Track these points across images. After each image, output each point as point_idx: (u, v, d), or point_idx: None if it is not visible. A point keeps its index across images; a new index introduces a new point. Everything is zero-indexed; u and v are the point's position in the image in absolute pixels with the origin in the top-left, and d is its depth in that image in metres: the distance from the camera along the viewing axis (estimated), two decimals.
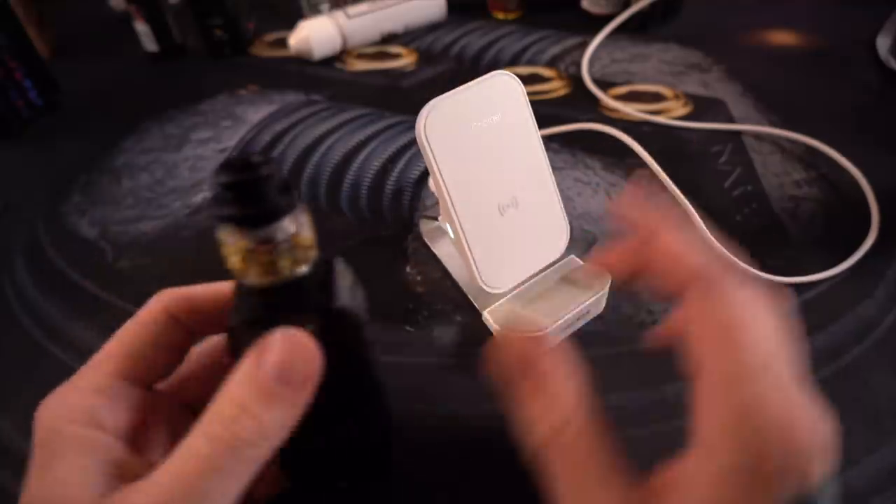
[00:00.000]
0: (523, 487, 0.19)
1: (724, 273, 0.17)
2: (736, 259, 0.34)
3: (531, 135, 0.30)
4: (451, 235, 0.30)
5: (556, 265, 0.32)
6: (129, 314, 0.35)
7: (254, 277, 0.16)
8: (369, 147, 0.48)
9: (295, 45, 0.61)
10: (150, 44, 0.63)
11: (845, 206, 0.40)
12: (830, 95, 0.52)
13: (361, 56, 0.63)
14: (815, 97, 0.52)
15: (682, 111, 0.50)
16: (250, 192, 0.15)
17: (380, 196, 0.43)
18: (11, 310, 0.36)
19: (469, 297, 0.33)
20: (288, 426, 0.16)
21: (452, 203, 0.28)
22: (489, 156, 0.29)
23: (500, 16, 0.71)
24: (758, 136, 0.47)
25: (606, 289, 0.31)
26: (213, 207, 0.15)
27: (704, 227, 0.36)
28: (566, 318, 0.29)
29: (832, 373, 0.30)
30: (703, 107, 0.51)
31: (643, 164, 0.41)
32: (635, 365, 0.30)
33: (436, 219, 0.35)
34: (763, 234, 0.38)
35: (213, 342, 0.21)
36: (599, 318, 0.33)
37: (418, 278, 0.36)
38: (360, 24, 0.63)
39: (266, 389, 0.15)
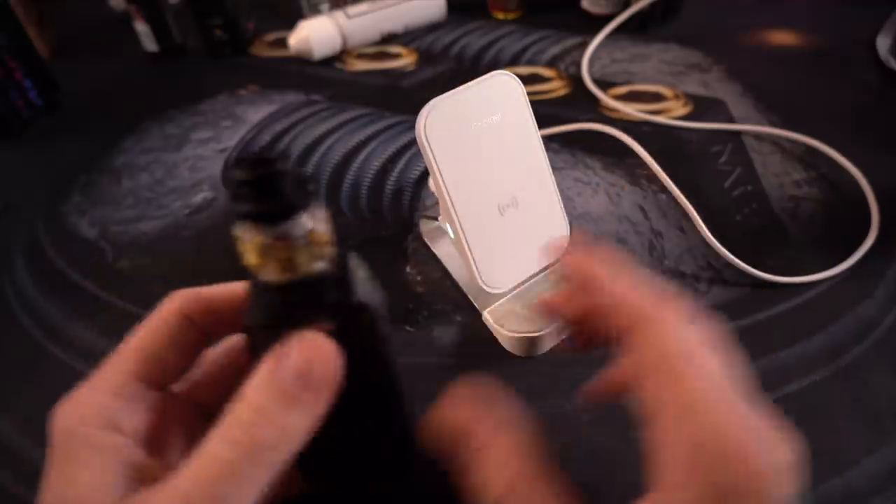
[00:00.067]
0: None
1: (666, 308, 0.17)
2: (736, 259, 0.34)
3: (531, 135, 0.30)
4: (451, 235, 0.30)
5: (557, 265, 0.32)
6: (129, 314, 0.35)
7: (271, 274, 0.16)
8: (369, 147, 0.48)
9: (295, 45, 0.61)
10: (150, 44, 0.63)
11: (845, 206, 0.40)
12: (830, 95, 0.52)
13: (361, 56, 0.63)
14: (815, 97, 0.52)
15: (682, 111, 0.50)
16: (267, 187, 0.15)
17: (380, 196, 0.43)
18: (11, 310, 0.36)
19: (469, 297, 0.33)
20: (308, 430, 0.16)
21: (452, 203, 0.28)
22: (489, 156, 0.29)
23: (500, 16, 0.71)
24: (758, 136, 0.47)
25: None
26: (230, 203, 0.15)
27: (704, 227, 0.36)
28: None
29: (832, 373, 0.30)
30: (703, 107, 0.51)
31: (643, 164, 0.41)
32: None
33: (436, 219, 0.35)
34: (763, 234, 0.38)
35: (227, 344, 0.21)
36: None
37: (418, 278, 0.36)
38: (360, 24, 0.63)
39: (286, 393, 0.15)
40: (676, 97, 0.52)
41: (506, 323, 0.30)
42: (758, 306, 0.33)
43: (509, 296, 0.31)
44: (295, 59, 0.62)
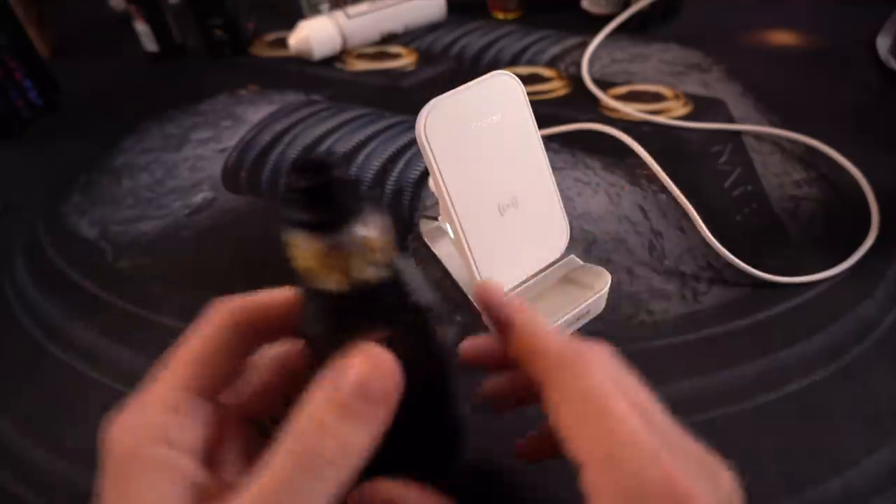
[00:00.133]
0: (523, 484, 0.19)
1: (582, 354, 0.17)
2: (736, 259, 0.34)
3: (531, 135, 0.30)
4: (451, 235, 0.30)
5: (557, 265, 0.32)
6: (129, 314, 0.35)
7: (327, 283, 0.15)
8: (369, 147, 0.48)
9: (295, 45, 0.61)
10: (150, 44, 0.63)
11: (845, 206, 0.40)
12: (830, 95, 0.52)
13: (361, 56, 0.63)
14: (815, 97, 0.52)
15: (682, 111, 0.50)
16: (325, 195, 0.14)
17: (380, 196, 0.43)
18: (11, 310, 0.36)
19: (469, 297, 0.33)
20: (370, 445, 0.15)
21: (452, 203, 0.28)
22: (489, 156, 0.29)
23: (500, 16, 0.71)
24: (758, 136, 0.47)
25: (606, 289, 0.31)
26: (284, 211, 0.15)
27: (704, 227, 0.36)
28: (566, 318, 0.30)
29: (832, 373, 0.30)
30: (703, 107, 0.51)
31: (643, 164, 0.41)
32: (636, 365, 0.30)
33: (436, 219, 0.35)
34: (763, 234, 0.38)
35: (275, 353, 0.20)
36: (599, 318, 0.33)
37: None
38: (360, 24, 0.63)
39: (346, 407, 0.15)
40: (676, 97, 0.52)
41: None
42: (758, 306, 0.33)
43: (509, 296, 0.31)
44: (295, 59, 0.62)
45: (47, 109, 0.56)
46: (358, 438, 0.15)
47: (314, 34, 0.60)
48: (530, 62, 0.60)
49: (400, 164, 0.45)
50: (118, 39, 0.68)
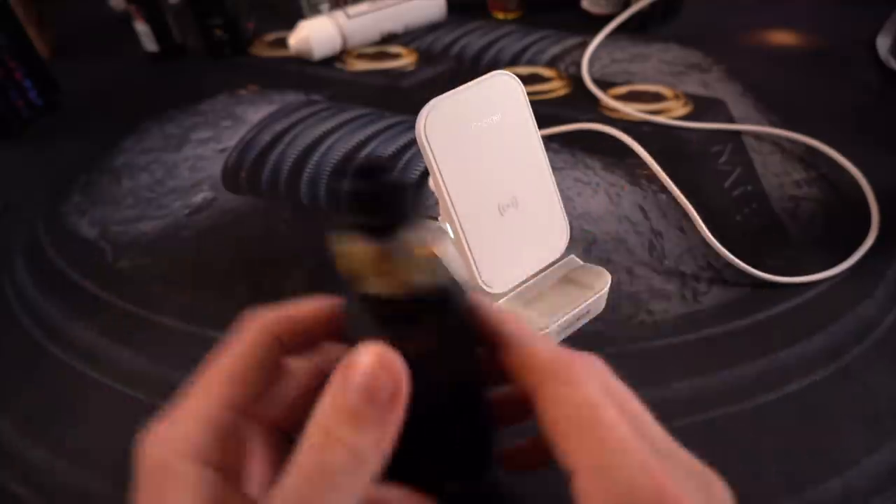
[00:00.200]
0: (523, 482, 0.19)
1: (573, 363, 0.17)
2: (736, 259, 0.34)
3: (531, 135, 0.30)
4: (451, 235, 0.30)
5: (556, 265, 0.32)
6: (129, 314, 0.35)
7: (377, 287, 0.15)
8: (369, 147, 0.48)
9: (295, 45, 0.61)
10: (150, 44, 0.63)
11: (845, 206, 0.40)
12: (830, 95, 0.52)
13: (361, 56, 0.63)
14: (815, 97, 0.52)
15: (682, 111, 0.50)
16: (383, 200, 0.14)
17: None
18: (11, 310, 0.36)
19: None
20: (383, 448, 0.15)
21: (452, 203, 0.28)
22: (489, 156, 0.29)
23: (500, 16, 0.71)
24: (758, 136, 0.47)
25: (606, 289, 0.31)
26: (340, 213, 0.15)
27: (704, 227, 0.36)
28: (566, 318, 0.29)
29: (832, 373, 0.30)
30: (703, 107, 0.51)
31: (643, 164, 0.41)
32: (636, 364, 0.30)
33: (436, 219, 0.35)
34: (763, 234, 0.38)
35: (310, 363, 0.20)
36: (599, 318, 0.33)
37: None
38: (360, 24, 0.63)
39: (353, 412, 0.15)
40: (676, 97, 0.52)
41: None
42: (758, 306, 0.33)
43: (509, 296, 0.31)
44: (295, 59, 0.62)
45: (47, 109, 0.56)
46: (368, 444, 0.15)
47: (314, 34, 0.60)
48: (530, 62, 0.60)
49: (400, 164, 0.45)
50: (118, 39, 0.68)
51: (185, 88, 0.59)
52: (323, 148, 0.48)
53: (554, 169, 0.31)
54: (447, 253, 0.37)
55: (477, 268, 0.29)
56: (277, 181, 0.45)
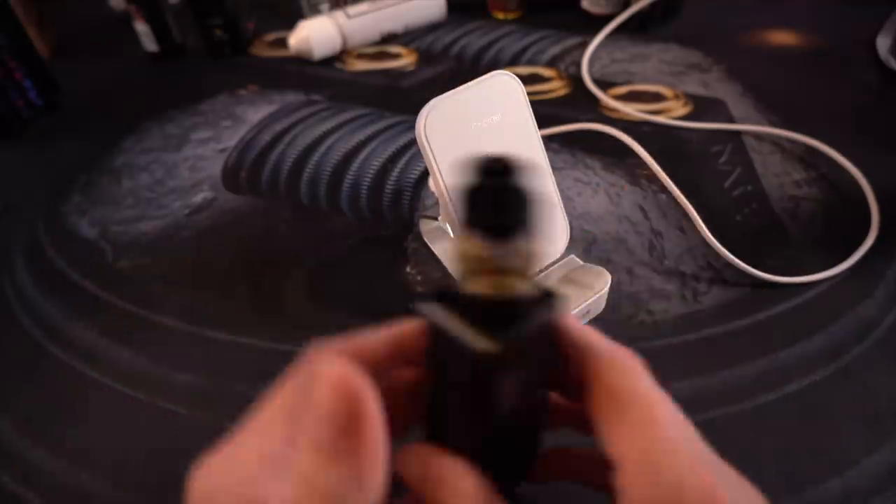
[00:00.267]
0: (523, 481, 0.19)
1: (627, 356, 0.17)
2: (736, 259, 0.34)
3: (531, 135, 0.30)
4: (451, 235, 0.30)
5: (556, 265, 0.32)
6: (129, 314, 0.35)
7: (482, 287, 0.15)
8: (369, 147, 0.48)
9: (295, 45, 0.61)
10: (150, 44, 0.63)
11: (845, 206, 0.40)
12: (830, 95, 0.52)
13: (361, 56, 0.63)
14: (815, 97, 0.52)
15: (682, 111, 0.50)
16: (512, 200, 0.14)
17: (380, 196, 0.43)
18: (11, 310, 0.36)
19: None
20: (372, 484, 0.14)
21: (452, 203, 0.28)
22: None
23: (500, 16, 0.71)
24: (758, 136, 0.47)
25: (606, 289, 0.31)
26: (464, 210, 0.14)
27: (704, 227, 0.36)
28: None
29: (832, 373, 0.30)
30: (703, 107, 0.51)
31: (643, 164, 0.41)
32: None
33: (436, 219, 0.35)
34: (763, 234, 0.38)
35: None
36: (599, 318, 0.33)
37: (418, 278, 0.36)
38: (360, 24, 0.63)
39: (323, 451, 0.14)
40: (676, 97, 0.52)
41: None
42: (758, 306, 0.33)
43: None
44: (295, 59, 0.62)
45: (47, 109, 0.56)
46: (346, 482, 0.14)
47: (314, 34, 0.60)
48: (530, 62, 0.60)
49: (400, 164, 0.45)
50: (118, 39, 0.68)
51: (185, 88, 0.59)
52: (323, 148, 0.48)
53: (554, 169, 0.31)
54: (445, 252, 0.37)
55: None
56: (277, 181, 0.45)
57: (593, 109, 0.52)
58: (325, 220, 0.41)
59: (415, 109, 0.27)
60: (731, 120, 0.49)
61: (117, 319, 0.35)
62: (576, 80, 0.56)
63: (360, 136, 0.49)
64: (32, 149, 0.52)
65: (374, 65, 0.62)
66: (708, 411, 0.28)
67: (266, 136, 0.50)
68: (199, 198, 0.44)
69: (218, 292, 0.36)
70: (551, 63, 0.60)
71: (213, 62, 0.64)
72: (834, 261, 0.35)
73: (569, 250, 0.32)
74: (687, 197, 0.38)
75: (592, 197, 0.41)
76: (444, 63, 0.61)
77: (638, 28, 0.64)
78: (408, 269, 0.37)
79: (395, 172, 0.44)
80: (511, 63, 0.60)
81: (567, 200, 0.40)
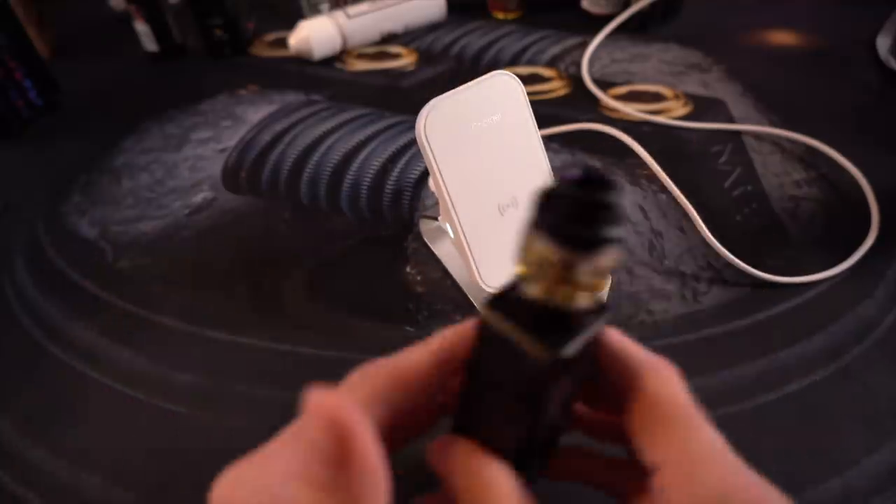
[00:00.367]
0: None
1: (666, 365, 0.17)
2: (736, 259, 0.34)
3: (531, 135, 0.30)
4: (451, 235, 0.30)
5: None
6: (129, 314, 0.35)
7: (551, 295, 0.15)
8: (369, 147, 0.48)
9: (295, 45, 0.61)
10: (150, 44, 0.63)
11: (845, 206, 0.40)
12: (830, 95, 0.52)
13: (361, 56, 0.63)
14: (815, 97, 0.52)
15: (682, 111, 0.50)
16: (605, 216, 0.13)
17: (380, 196, 0.43)
18: (11, 310, 0.36)
19: (469, 297, 0.33)
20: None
21: (452, 203, 0.28)
22: (489, 156, 0.29)
23: (500, 16, 0.71)
24: (758, 136, 0.47)
25: (606, 289, 0.31)
26: (550, 217, 0.14)
27: (704, 227, 0.36)
28: None
29: (832, 373, 0.30)
30: (703, 107, 0.51)
31: (643, 164, 0.41)
32: None
33: (436, 219, 0.35)
34: (763, 234, 0.38)
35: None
36: None
37: (418, 278, 0.36)
38: (360, 24, 0.63)
39: (315, 485, 0.13)
40: (676, 97, 0.52)
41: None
42: (758, 306, 0.33)
43: None
44: (295, 59, 0.62)
45: (47, 109, 0.56)
46: None
47: (314, 34, 0.60)
48: (530, 62, 0.60)
49: (400, 164, 0.45)
50: (118, 39, 0.68)
51: (185, 88, 0.59)
52: (323, 148, 0.48)
53: (554, 169, 0.31)
54: (445, 252, 0.37)
55: (477, 267, 0.29)
56: (277, 181, 0.45)
57: (593, 109, 0.52)
58: (325, 220, 0.41)
59: (415, 109, 0.27)
60: (731, 120, 0.49)
61: (117, 319, 0.35)
62: (576, 80, 0.56)
63: (360, 136, 0.49)
64: (32, 149, 0.52)
65: (374, 65, 0.62)
66: (708, 411, 0.28)
67: (266, 136, 0.50)
68: (199, 198, 0.44)
69: (218, 292, 0.36)
70: (551, 63, 0.60)
71: (213, 62, 0.64)
72: (834, 261, 0.35)
73: None
74: (687, 197, 0.38)
75: None
76: (444, 63, 0.61)
77: (638, 28, 0.64)
78: (408, 269, 0.37)
79: (395, 172, 0.44)
80: (511, 63, 0.60)
81: None
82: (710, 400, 0.29)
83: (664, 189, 0.40)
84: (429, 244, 0.37)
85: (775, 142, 0.46)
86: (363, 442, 0.14)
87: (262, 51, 0.66)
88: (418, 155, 0.44)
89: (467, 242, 0.28)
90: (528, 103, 0.29)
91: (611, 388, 0.18)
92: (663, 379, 0.17)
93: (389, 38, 0.67)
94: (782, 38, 0.63)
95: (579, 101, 0.53)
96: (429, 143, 0.27)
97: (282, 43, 0.66)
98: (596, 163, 0.44)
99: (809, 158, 0.44)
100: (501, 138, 0.29)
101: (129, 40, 0.64)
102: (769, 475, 0.26)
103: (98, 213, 0.43)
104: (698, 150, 0.46)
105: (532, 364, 0.15)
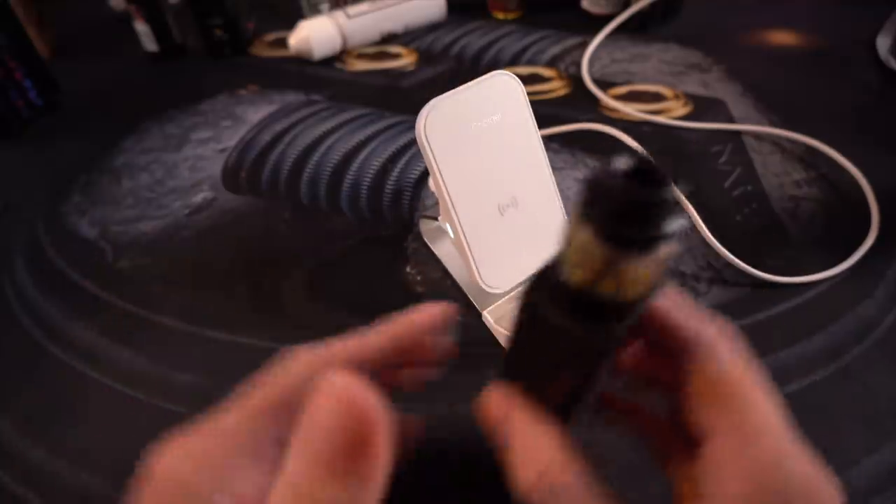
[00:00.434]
0: None
1: (724, 334, 0.17)
2: (736, 259, 0.34)
3: (531, 135, 0.30)
4: (451, 235, 0.30)
5: None
6: (129, 314, 0.35)
7: (598, 285, 0.14)
8: (369, 147, 0.48)
9: (295, 45, 0.61)
10: (150, 44, 0.63)
11: (845, 206, 0.40)
12: (830, 95, 0.52)
13: (361, 56, 0.63)
14: (815, 97, 0.52)
15: (682, 111, 0.50)
16: (662, 214, 0.12)
17: (380, 196, 0.43)
18: (11, 310, 0.36)
19: (469, 296, 0.33)
20: (370, 499, 0.13)
21: (452, 203, 0.28)
22: (489, 156, 0.29)
23: (500, 16, 0.71)
24: (758, 136, 0.47)
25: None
26: (596, 214, 0.13)
27: (704, 227, 0.36)
28: None
29: (832, 373, 0.30)
30: (703, 107, 0.51)
31: None
32: None
33: (436, 219, 0.35)
34: (763, 234, 0.38)
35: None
36: None
37: (418, 278, 0.36)
38: (360, 24, 0.63)
39: (323, 463, 0.13)
40: (676, 97, 0.52)
41: (506, 323, 0.30)
42: (758, 306, 0.33)
43: (509, 296, 0.31)
44: (295, 59, 0.62)
45: (47, 109, 0.56)
46: (343, 500, 0.13)
47: (314, 34, 0.60)
48: (530, 62, 0.60)
49: (400, 164, 0.45)
50: (118, 39, 0.68)
51: (185, 88, 0.59)
52: (323, 148, 0.48)
53: (554, 169, 0.31)
54: (445, 252, 0.37)
55: (477, 267, 0.29)
56: (277, 181, 0.45)
57: (593, 109, 0.52)
58: (325, 220, 0.41)
59: (415, 109, 0.27)
60: (731, 120, 0.49)
61: (117, 319, 0.35)
62: (576, 80, 0.56)
63: (360, 136, 0.49)
64: (32, 149, 0.52)
65: (374, 65, 0.62)
66: None
67: (266, 136, 0.50)
68: (199, 198, 0.44)
69: (218, 292, 0.36)
70: (551, 63, 0.60)
71: (213, 62, 0.64)
72: (834, 261, 0.35)
73: None
74: (687, 197, 0.38)
75: None
76: (444, 63, 0.61)
77: (638, 28, 0.64)
78: (408, 269, 0.37)
79: (395, 172, 0.44)
80: (511, 63, 0.60)
81: (567, 200, 0.40)
82: None
83: None
84: (429, 244, 0.37)
85: (775, 142, 0.46)
86: (384, 441, 0.14)
87: (262, 51, 0.66)
88: (418, 155, 0.44)
89: (467, 242, 0.28)
90: (528, 103, 0.29)
91: (660, 347, 0.17)
92: (720, 355, 0.16)
93: (389, 38, 0.67)
94: (782, 38, 0.63)
95: (579, 101, 0.53)
96: (429, 143, 0.27)
97: (282, 43, 0.66)
98: (596, 163, 0.44)
99: (809, 158, 0.44)
100: (501, 138, 0.29)
101: (129, 40, 0.64)
102: None
103: (98, 213, 0.43)
104: (698, 150, 0.46)
105: (579, 343, 0.15)
